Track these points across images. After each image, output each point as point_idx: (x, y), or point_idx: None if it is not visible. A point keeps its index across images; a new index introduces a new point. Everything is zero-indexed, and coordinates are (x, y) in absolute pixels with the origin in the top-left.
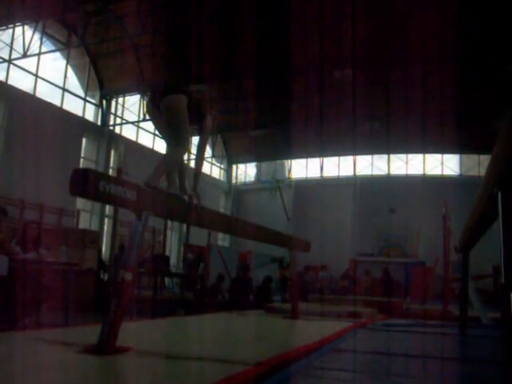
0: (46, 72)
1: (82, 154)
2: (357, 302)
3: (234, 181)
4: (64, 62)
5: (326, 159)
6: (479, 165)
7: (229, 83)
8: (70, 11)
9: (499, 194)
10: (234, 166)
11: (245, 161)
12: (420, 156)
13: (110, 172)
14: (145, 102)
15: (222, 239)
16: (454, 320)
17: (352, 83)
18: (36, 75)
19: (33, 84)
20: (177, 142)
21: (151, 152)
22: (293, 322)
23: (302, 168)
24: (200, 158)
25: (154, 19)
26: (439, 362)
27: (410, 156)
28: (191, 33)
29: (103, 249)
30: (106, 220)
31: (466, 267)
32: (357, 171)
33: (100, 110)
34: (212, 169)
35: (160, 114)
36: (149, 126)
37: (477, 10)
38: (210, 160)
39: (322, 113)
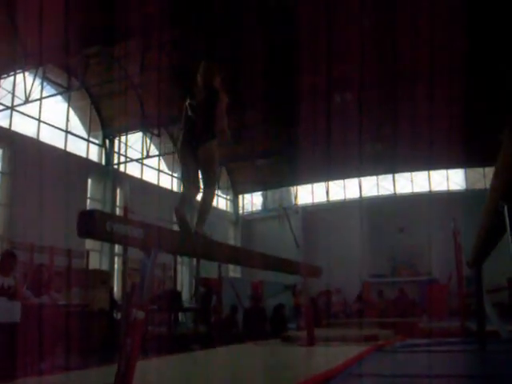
0: (49, 116)
1: (89, 195)
2: (372, 324)
3: (240, 211)
4: (65, 104)
5: (331, 183)
6: (484, 177)
7: (233, 115)
8: (69, 55)
9: (505, 208)
10: (240, 196)
11: (250, 190)
12: (425, 173)
13: (117, 211)
14: (178, 146)
15: (233, 270)
16: (472, 336)
17: (355, 105)
18: (39, 120)
19: (36, 128)
20: (208, 184)
21: (156, 188)
22: (309, 349)
23: (308, 193)
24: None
25: (153, 58)
26: (461, 380)
27: (415, 173)
28: (192, 65)
29: (115, 288)
30: (116, 259)
31: (480, 281)
32: (363, 193)
33: (103, 150)
34: (218, 200)
35: (193, 158)
36: (152, 162)
37: (481, 23)
38: (216, 192)
39: (327, 137)
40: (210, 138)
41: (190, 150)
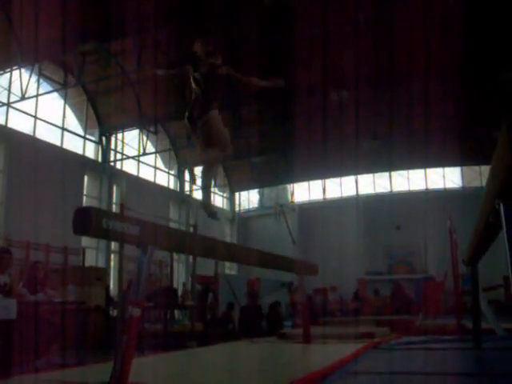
0: (45, 113)
1: (85, 192)
2: (368, 322)
3: (237, 208)
4: (62, 101)
5: (328, 181)
6: (481, 175)
7: (228, 111)
8: (65, 52)
9: (501, 206)
10: (237, 194)
11: (247, 188)
12: (421, 171)
13: (114, 208)
14: (185, 119)
15: (230, 267)
16: (468, 334)
17: (352, 103)
18: (35, 117)
19: (32, 125)
20: (222, 146)
21: (152, 185)
22: (305, 347)
23: (305, 191)
24: None
25: (150, 55)
26: (457, 378)
27: (412, 172)
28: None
29: (111, 285)
30: (113, 256)
31: (476, 279)
32: (359, 190)
33: (100, 147)
34: (215, 198)
35: (199, 129)
36: (149, 159)
37: (477, 22)
38: (212, 189)
39: (323, 135)
40: (212, 107)
41: (195, 120)
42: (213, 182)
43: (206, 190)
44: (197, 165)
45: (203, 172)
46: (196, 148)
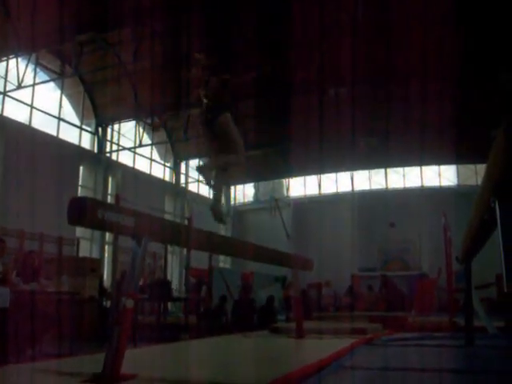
0: (41, 102)
1: (80, 182)
2: (362, 317)
3: (232, 202)
4: (58, 91)
5: (323, 176)
6: (476, 174)
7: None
8: (62, 42)
9: (496, 204)
10: (232, 188)
11: (242, 181)
12: (417, 168)
13: (109, 199)
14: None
15: (224, 261)
16: (460, 331)
17: (349, 100)
18: (31, 106)
19: (28, 115)
20: (234, 151)
21: (148, 177)
22: (298, 341)
23: (300, 186)
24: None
25: (147, 45)
26: (448, 375)
27: (407, 169)
28: (186, 56)
29: (105, 276)
30: (107, 247)
31: (469, 277)
32: (354, 186)
33: (96, 138)
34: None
35: (212, 132)
36: (145, 151)
37: (473, 21)
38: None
39: (319, 131)
40: (221, 111)
41: (208, 129)
42: (225, 188)
43: (216, 194)
44: (210, 170)
45: (216, 177)
46: (209, 153)
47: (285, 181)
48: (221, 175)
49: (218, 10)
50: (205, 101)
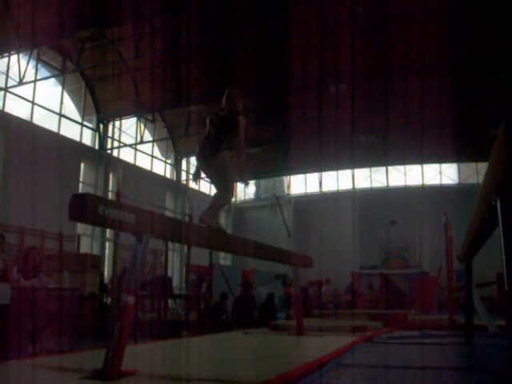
0: (43, 98)
1: (81, 179)
2: (361, 315)
3: (233, 199)
4: (60, 87)
5: (324, 174)
6: (477, 172)
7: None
8: (64, 37)
9: (498, 202)
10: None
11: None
12: (418, 166)
13: (110, 195)
14: (195, 159)
15: (224, 258)
16: (460, 329)
17: (349, 97)
18: (32, 102)
19: (29, 111)
20: (225, 189)
21: (149, 174)
22: (298, 338)
23: (301, 183)
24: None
25: (149, 42)
26: (448, 372)
27: (408, 167)
28: (187, 52)
29: (105, 272)
30: (107, 244)
31: (470, 275)
32: (355, 184)
33: (97, 134)
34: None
35: (209, 167)
36: (146, 148)
37: (476, 17)
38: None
39: (320, 128)
40: (223, 148)
41: (204, 159)
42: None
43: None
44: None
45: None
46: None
47: (285, 178)
48: (212, 212)
49: (215, 5)
50: (209, 126)
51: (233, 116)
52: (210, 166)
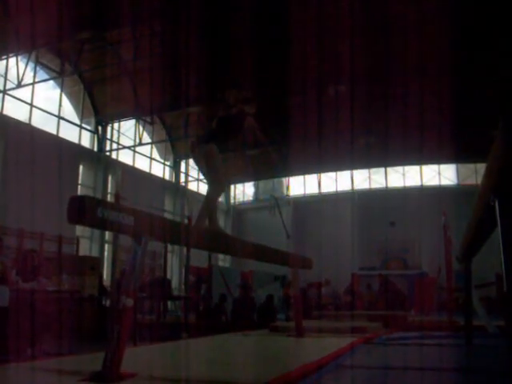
0: (41, 101)
1: (80, 181)
2: (361, 316)
3: (232, 201)
4: (58, 90)
5: (323, 175)
6: (476, 173)
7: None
8: (63, 40)
9: (496, 203)
10: (232, 186)
11: (242, 180)
12: (417, 167)
13: (109, 198)
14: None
15: (223, 260)
16: (459, 330)
17: (348, 98)
18: (31, 104)
19: (28, 113)
20: (212, 180)
21: (148, 176)
22: (298, 340)
23: (300, 185)
24: None
25: (148, 44)
26: (447, 373)
27: (407, 168)
28: (186, 55)
29: (104, 275)
30: (107, 246)
31: (469, 276)
32: (354, 185)
33: (96, 137)
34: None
35: (199, 162)
36: (145, 150)
37: (475, 17)
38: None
39: (319, 129)
40: (213, 142)
41: (194, 153)
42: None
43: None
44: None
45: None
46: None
47: (285, 179)
48: (203, 209)
49: (214, 9)
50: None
51: (241, 117)
52: (199, 160)
